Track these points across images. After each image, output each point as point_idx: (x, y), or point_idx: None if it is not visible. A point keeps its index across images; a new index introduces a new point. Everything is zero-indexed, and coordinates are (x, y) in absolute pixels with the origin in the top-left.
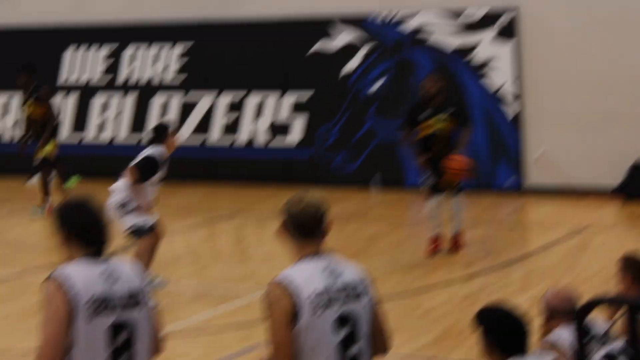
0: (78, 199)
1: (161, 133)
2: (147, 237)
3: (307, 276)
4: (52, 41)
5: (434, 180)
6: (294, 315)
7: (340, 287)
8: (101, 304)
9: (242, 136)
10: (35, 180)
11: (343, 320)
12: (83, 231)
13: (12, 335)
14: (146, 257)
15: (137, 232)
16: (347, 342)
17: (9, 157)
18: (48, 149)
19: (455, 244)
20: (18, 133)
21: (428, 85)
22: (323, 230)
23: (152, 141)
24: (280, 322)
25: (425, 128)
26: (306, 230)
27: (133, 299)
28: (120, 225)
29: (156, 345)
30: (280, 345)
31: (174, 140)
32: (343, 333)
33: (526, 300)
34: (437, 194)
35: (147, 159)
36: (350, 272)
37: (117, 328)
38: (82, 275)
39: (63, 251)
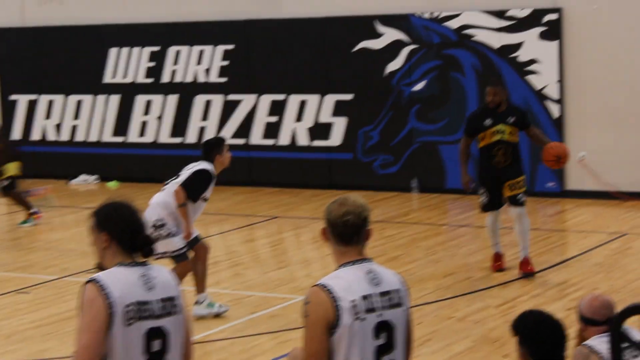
0: (117, 202)
1: (213, 148)
2: (186, 261)
3: (350, 282)
4: (97, 40)
5: (490, 195)
6: (333, 321)
7: (381, 294)
8: (139, 310)
9: (284, 138)
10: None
11: (382, 327)
12: (123, 235)
13: (53, 338)
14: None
15: (178, 257)
16: (385, 348)
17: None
18: (11, 167)
19: (527, 268)
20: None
21: (491, 95)
22: (364, 236)
23: (204, 156)
24: (318, 329)
25: (488, 136)
26: (347, 237)
27: (169, 306)
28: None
29: (187, 353)
30: (315, 353)
31: (226, 156)
32: (382, 340)
33: (563, 307)
34: (493, 210)
35: (196, 177)
36: (390, 279)
37: (153, 334)
38: (121, 281)
39: (101, 254)
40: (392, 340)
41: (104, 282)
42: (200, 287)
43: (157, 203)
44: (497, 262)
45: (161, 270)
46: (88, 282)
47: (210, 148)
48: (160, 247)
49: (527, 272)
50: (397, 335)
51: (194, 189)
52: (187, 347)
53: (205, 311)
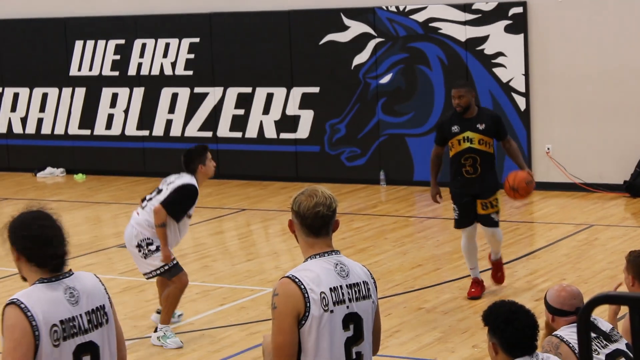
0: (27, 214)
1: (195, 158)
2: (182, 272)
3: (319, 274)
4: (62, 33)
5: (460, 210)
6: (303, 313)
7: (349, 286)
8: (65, 329)
9: (251, 131)
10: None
11: (351, 319)
12: (31, 251)
13: None
14: (176, 302)
15: (171, 270)
16: (354, 340)
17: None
18: None
19: (496, 273)
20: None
21: (456, 98)
22: (333, 228)
23: (185, 167)
24: (287, 320)
25: (456, 144)
26: (317, 228)
27: (97, 317)
28: (137, 265)
29: (121, 357)
30: (284, 344)
31: (210, 166)
32: (350, 331)
33: (532, 297)
34: (465, 227)
35: (178, 194)
36: (358, 271)
37: (82, 350)
38: (43, 300)
39: (19, 268)
40: (360, 331)
41: (26, 304)
42: (165, 317)
43: (138, 223)
44: (473, 289)
45: (85, 279)
46: (8, 304)
47: (192, 158)
48: (150, 264)
49: (499, 282)
50: (365, 327)
51: (176, 207)
52: (119, 354)
53: (157, 343)
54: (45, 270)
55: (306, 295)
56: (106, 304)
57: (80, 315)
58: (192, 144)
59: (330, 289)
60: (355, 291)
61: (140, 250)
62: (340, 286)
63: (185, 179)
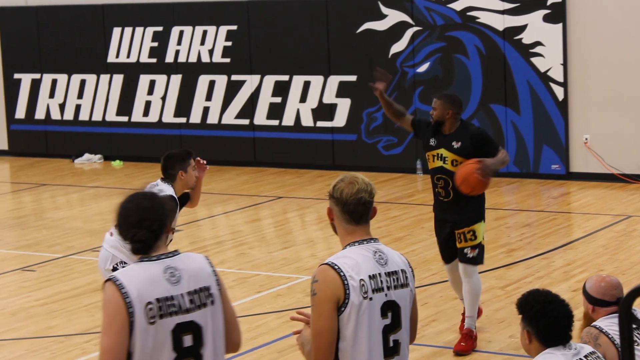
0: (128, 196)
1: (176, 164)
2: None
3: (358, 261)
4: (100, 19)
5: (439, 241)
6: (342, 299)
7: (388, 274)
8: (162, 307)
9: (288, 118)
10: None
11: (389, 307)
12: (121, 230)
13: (59, 316)
14: None
15: None
16: (391, 328)
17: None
18: None
19: (460, 345)
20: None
21: (432, 109)
22: (371, 215)
23: (163, 172)
24: (327, 306)
25: (431, 159)
26: (358, 215)
27: (200, 298)
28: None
29: (231, 343)
30: (323, 330)
31: (190, 175)
32: (388, 319)
33: (569, 288)
34: (446, 262)
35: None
36: (396, 260)
37: (182, 330)
38: (141, 278)
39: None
40: (398, 319)
41: (122, 281)
42: None
43: (112, 246)
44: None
45: (190, 260)
46: (106, 281)
47: (173, 163)
48: None
49: (459, 350)
50: (403, 315)
51: None
52: (230, 336)
53: None
54: (145, 249)
55: (346, 283)
56: (212, 286)
57: (182, 295)
58: (230, 132)
59: (369, 276)
60: (393, 279)
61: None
62: (379, 274)
63: (161, 188)
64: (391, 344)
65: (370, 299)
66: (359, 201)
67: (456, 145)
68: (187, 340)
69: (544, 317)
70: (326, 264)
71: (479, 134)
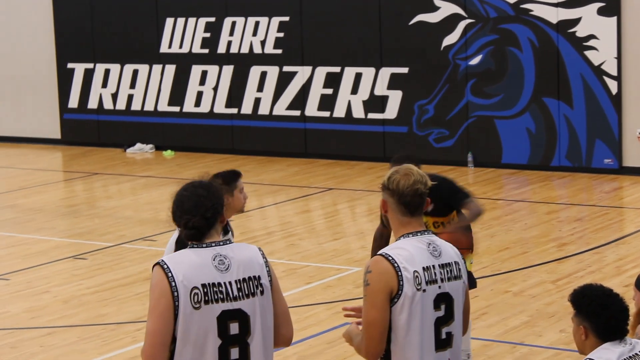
0: (185, 185)
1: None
2: None
3: (412, 253)
4: (153, 10)
5: None
6: (395, 291)
7: (441, 266)
8: (208, 293)
9: (339, 110)
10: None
11: (442, 299)
12: (174, 216)
13: (110, 304)
14: None
15: None
16: (444, 320)
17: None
18: None
19: None
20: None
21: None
22: (424, 207)
23: None
24: (380, 297)
25: None
26: (414, 207)
27: (250, 287)
28: None
29: (279, 334)
30: (375, 321)
31: (238, 199)
32: (441, 311)
33: (621, 283)
34: None
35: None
36: (450, 251)
37: (228, 317)
38: (188, 263)
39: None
40: (451, 312)
41: (168, 265)
42: None
43: None
44: None
45: (242, 250)
46: (155, 265)
47: None
48: None
49: None
50: (456, 307)
51: None
52: (279, 329)
53: None
54: (190, 237)
55: (399, 274)
56: (263, 276)
57: (230, 282)
58: (281, 123)
59: (423, 268)
60: (447, 271)
61: None
62: (433, 266)
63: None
64: (443, 336)
65: (424, 290)
66: (415, 192)
67: (430, 208)
68: (234, 328)
69: (605, 310)
70: (380, 254)
71: (445, 184)
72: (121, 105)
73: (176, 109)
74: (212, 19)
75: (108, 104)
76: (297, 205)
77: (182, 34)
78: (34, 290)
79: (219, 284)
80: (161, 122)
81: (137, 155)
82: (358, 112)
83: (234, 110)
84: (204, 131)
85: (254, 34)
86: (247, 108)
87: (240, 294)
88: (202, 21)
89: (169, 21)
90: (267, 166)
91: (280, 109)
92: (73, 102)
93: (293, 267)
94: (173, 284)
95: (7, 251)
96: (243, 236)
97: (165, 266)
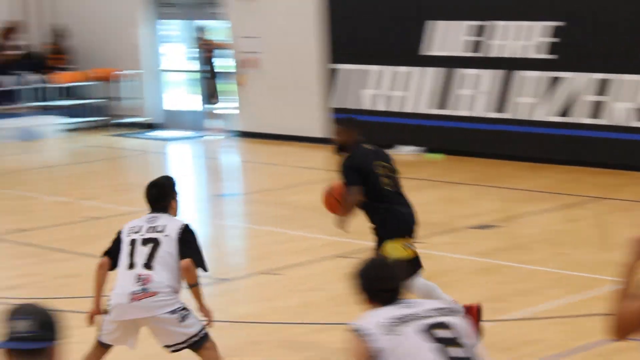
0: (370, 262)
1: (169, 193)
2: (212, 341)
3: None
4: (417, 13)
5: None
6: None
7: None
8: (399, 319)
9: (609, 117)
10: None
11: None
12: (376, 297)
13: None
14: None
15: (201, 340)
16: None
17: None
18: None
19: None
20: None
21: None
22: None
23: (157, 204)
24: None
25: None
26: None
27: (442, 312)
28: (172, 337)
29: None
30: None
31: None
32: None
33: None
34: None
35: (194, 237)
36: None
37: (433, 327)
38: (377, 314)
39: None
40: None
41: (365, 330)
42: None
43: (169, 286)
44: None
45: (423, 303)
46: (350, 328)
47: (165, 193)
48: (182, 333)
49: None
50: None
51: (202, 257)
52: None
53: None
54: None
55: None
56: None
57: (418, 311)
58: (550, 129)
59: None
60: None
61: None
62: None
63: (179, 220)
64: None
65: None
66: None
67: None
68: (441, 333)
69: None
70: None
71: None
72: (393, 107)
73: (446, 112)
74: (480, 23)
75: (378, 106)
76: (564, 214)
77: (448, 37)
78: (304, 286)
79: (409, 314)
80: (430, 125)
81: (407, 157)
82: (627, 120)
83: (502, 115)
84: (473, 135)
85: (524, 38)
86: (514, 113)
87: (433, 314)
88: (468, 24)
89: (437, 24)
90: (535, 172)
91: (546, 114)
92: (341, 102)
93: (559, 276)
94: (374, 346)
95: (281, 247)
96: (509, 242)
97: (361, 329)
